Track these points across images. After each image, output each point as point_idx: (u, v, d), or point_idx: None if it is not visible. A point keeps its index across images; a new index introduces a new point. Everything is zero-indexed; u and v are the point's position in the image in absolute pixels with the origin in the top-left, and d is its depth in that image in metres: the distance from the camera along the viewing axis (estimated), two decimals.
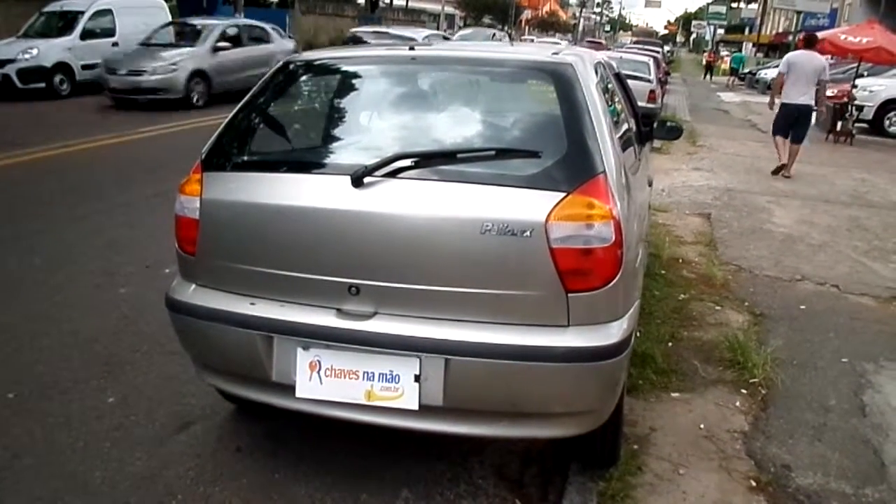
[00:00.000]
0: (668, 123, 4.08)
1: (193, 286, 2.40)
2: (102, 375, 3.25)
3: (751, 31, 49.99)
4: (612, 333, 2.08)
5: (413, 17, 46.36)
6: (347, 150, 2.35)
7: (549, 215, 1.97)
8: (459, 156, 2.13)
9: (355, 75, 2.63)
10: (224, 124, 2.49)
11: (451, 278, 2.05)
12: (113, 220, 5.74)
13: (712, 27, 53.67)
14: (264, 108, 2.56)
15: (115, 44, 14.24)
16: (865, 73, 14.28)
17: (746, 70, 31.20)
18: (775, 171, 8.80)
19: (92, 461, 2.64)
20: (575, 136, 2.11)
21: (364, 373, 2.15)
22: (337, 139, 2.48)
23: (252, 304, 2.25)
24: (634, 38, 49.32)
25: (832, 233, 6.31)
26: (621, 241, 2.05)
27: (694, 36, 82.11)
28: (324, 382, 2.18)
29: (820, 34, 13.61)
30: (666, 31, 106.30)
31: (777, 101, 8.86)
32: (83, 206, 6.04)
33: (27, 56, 12.68)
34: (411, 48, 2.48)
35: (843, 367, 3.62)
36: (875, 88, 13.84)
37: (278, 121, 2.60)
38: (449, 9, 49.91)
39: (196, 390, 3.09)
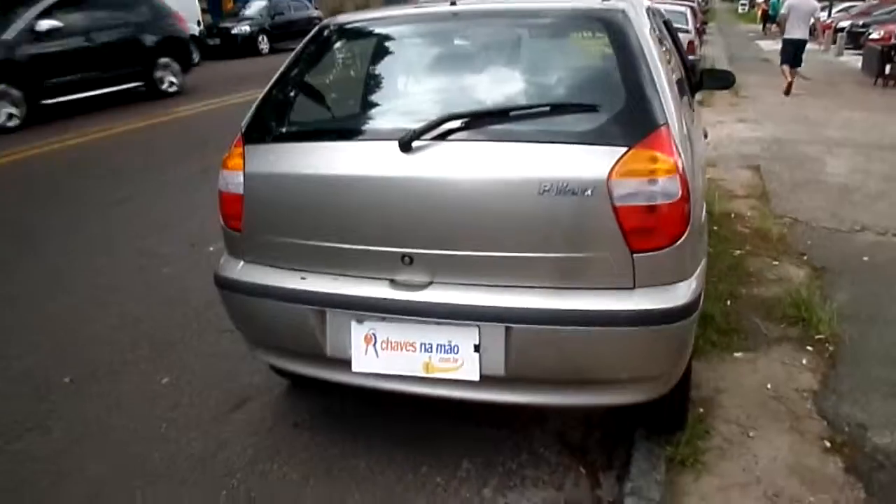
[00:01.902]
0: (719, 71, 3.87)
1: (241, 263, 2.35)
2: (153, 357, 3.25)
3: None
4: (680, 294, 1.97)
5: None
6: (392, 115, 2.25)
7: (610, 172, 1.85)
8: (512, 114, 2.01)
9: (394, 36, 2.52)
10: (262, 95, 2.40)
11: (508, 243, 1.96)
12: (154, 202, 5.76)
13: None
14: (302, 76, 2.47)
15: None
16: None
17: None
18: (786, 92, 11.03)
19: (149, 442, 2.64)
20: (633, 87, 1.97)
21: (421, 344, 2.08)
22: (380, 104, 2.37)
23: (303, 278, 2.19)
24: None
25: (890, 180, 6.01)
26: (688, 196, 1.93)
27: None
28: (380, 355, 2.12)
29: None
30: None
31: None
32: (123, 189, 6.07)
33: None
34: (452, 3, 2.34)
35: None
36: None
37: (318, 88, 2.51)
38: None
39: (249, 368, 3.07)
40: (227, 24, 18.37)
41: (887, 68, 12.00)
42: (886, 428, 2.60)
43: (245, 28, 18.21)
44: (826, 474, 2.38)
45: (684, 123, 2.17)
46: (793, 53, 11.10)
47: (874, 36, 14.80)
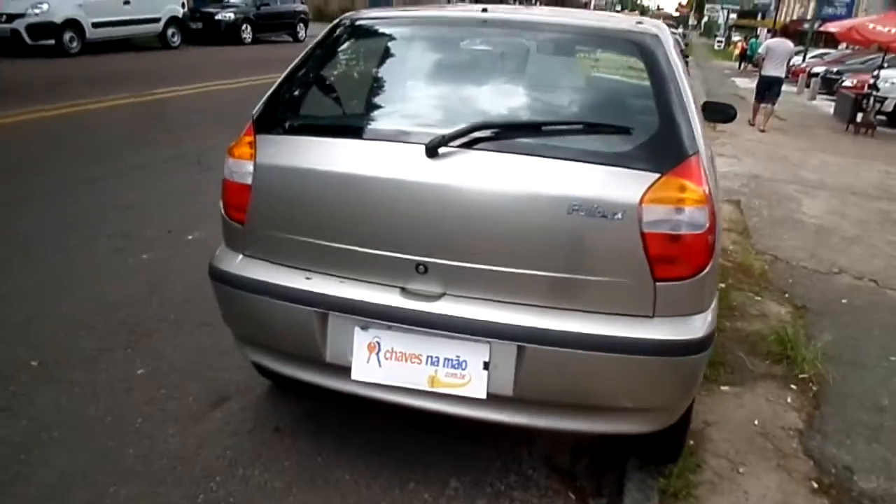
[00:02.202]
0: (720, 104, 3.89)
1: (240, 256, 2.25)
2: (129, 345, 3.11)
3: (763, 17, 49.37)
4: (697, 327, 1.94)
5: None
6: (416, 118, 2.17)
7: (642, 197, 1.82)
8: (544, 128, 1.96)
9: (421, 37, 2.45)
10: (278, 83, 2.31)
11: (528, 260, 1.90)
12: (128, 183, 5.57)
13: (725, 11, 53.04)
14: (321, 68, 2.39)
15: (126, 2, 13.94)
16: (886, 65, 14.00)
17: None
18: (751, 122, 11.96)
19: (123, 437, 2.51)
20: (666, 113, 1.95)
21: (428, 357, 2.01)
22: (404, 106, 2.28)
23: (307, 278, 2.10)
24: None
25: (864, 226, 6.15)
26: (714, 228, 1.91)
27: (706, 20, 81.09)
28: (383, 365, 2.04)
29: (848, 23, 13.44)
30: (677, 14, 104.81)
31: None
32: (95, 168, 5.86)
33: (37, 11, 12.44)
34: (484, 10, 2.29)
35: (892, 367, 3.49)
36: None
37: (338, 83, 2.42)
38: None
39: (230, 364, 2.96)
40: (211, 10, 18.06)
41: (859, 116, 12.36)
42: (872, 472, 2.61)
43: (229, 15, 17.92)
44: None
45: (709, 154, 2.15)
46: (767, 88, 11.78)
47: (847, 84, 15.29)
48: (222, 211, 2.29)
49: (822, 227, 5.99)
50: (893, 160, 9.87)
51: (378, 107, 2.29)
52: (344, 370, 2.09)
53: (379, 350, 2.04)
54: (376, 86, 2.38)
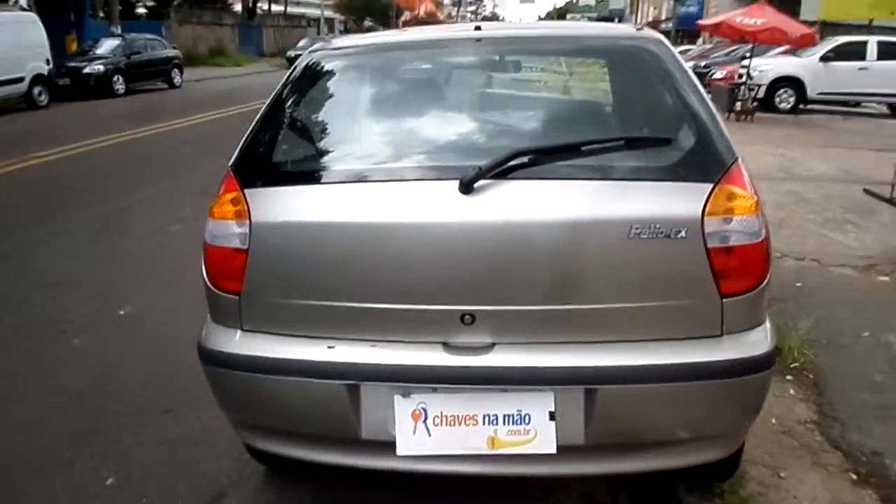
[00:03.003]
0: None
1: (238, 332, 1.94)
2: (87, 450, 2.68)
3: (620, 21, 52.28)
4: (764, 340, 1.83)
5: (293, 22, 45.22)
6: (437, 152, 1.93)
7: (703, 210, 1.69)
8: (584, 148, 1.80)
9: (415, 63, 2.23)
10: (254, 130, 2.03)
11: (589, 294, 1.73)
12: (48, 254, 4.98)
13: (584, 18, 55.73)
14: (307, 105, 2.13)
15: None
16: (747, 55, 14.99)
17: None
18: None
19: None
20: (700, 120, 1.84)
21: (485, 416, 1.78)
22: (417, 140, 2.03)
23: (330, 347, 1.83)
24: None
25: (783, 208, 6.43)
26: (768, 235, 1.80)
27: None
28: (433, 434, 1.80)
29: (718, 18, 14.30)
30: None
31: None
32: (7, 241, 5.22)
33: None
34: (477, 28, 2.11)
35: (869, 342, 3.57)
36: (764, 68, 14.59)
37: (333, 120, 2.15)
38: (329, 13, 48.87)
39: (211, 453, 2.61)
40: (79, 63, 16.94)
41: (737, 105, 13.14)
42: None
43: (98, 67, 16.86)
44: None
45: None
46: None
47: (718, 76, 16.29)
48: (207, 282, 1.97)
49: None
50: (782, 142, 10.51)
51: (388, 144, 2.04)
52: (385, 446, 1.83)
53: (426, 417, 1.80)
54: (378, 121, 2.13)
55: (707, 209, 1.69)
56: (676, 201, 1.70)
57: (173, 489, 2.44)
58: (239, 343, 1.93)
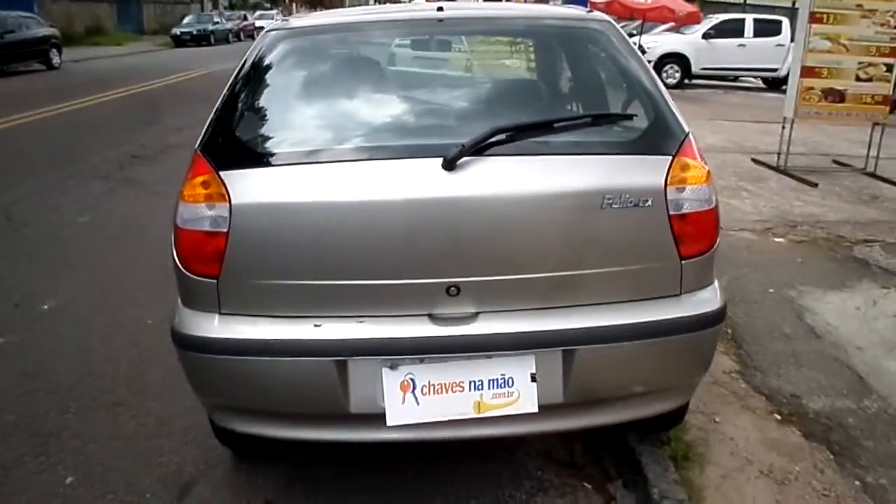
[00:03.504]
0: None
1: (216, 317, 1.93)
2: (39, 451, 2.56)
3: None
4: (715, 298, 2.03)
5: None
6: (415, 130, 1.99)
7: (665, 180, 1.84)
8: (556, 125, 1.91)
9: (377, 42, 2.26)
10: (220, 110, 2.00)
11: (566, 261, 1.85)
12: None
13: None
14: (271, 85, 2.11)
15: None
16: (634, 32, 15.70)
17: None
18: None
19: None
20: (654, 96, 2.00)
21: (470, 382, 1.88)
22: (393, 117, 2.07)
23: (316, 325, 1.87)
24: None
25: None
26: (717, 202, 1.99)
27: None
28: (421, 402, 1.88)
29: None
30: None
31: None
32: None
33: None
34: (440, 9, 2.16)
35: (775, 297, 3.94)
36: (652, 45, 15.36)
37: (308, 98, 2.14)
38: None
39: (173, 443, 2.58)
40: None
41: None
42: (814, 393, 2.93)
43: None
44: (793, 443, 2.61)
45: None
46: None
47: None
48: (180, 266, 1.94)
49: None
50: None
51: (364, 122, 2.06)
52: (374, 418, 1.89)
53: (414, 387, 1.88)
54: (352, 99, 2.14)
55: (668, 179, 1.85)
56: (642, 173, 1.85)
57: (139, 483, 2.39)
58: (218, 327, 1.92)
